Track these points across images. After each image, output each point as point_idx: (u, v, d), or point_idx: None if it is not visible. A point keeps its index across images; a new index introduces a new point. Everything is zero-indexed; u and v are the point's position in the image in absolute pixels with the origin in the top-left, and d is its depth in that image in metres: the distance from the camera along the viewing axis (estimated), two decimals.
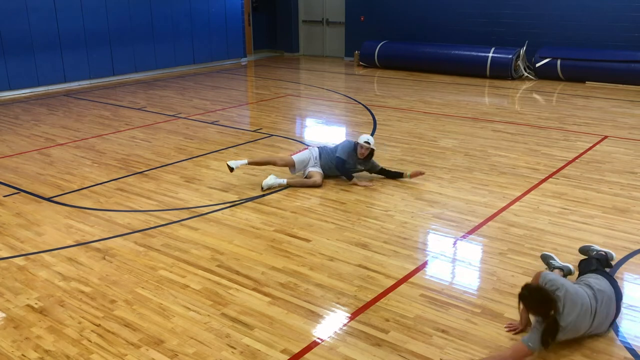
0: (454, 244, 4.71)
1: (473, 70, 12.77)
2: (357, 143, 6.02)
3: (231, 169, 5.93)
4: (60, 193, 5.94)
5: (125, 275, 4.23)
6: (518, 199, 5.61)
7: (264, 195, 5.75)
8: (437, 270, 4.30)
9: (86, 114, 9.68)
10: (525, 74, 12.65)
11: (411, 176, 6.05)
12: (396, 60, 13.93)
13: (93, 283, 4.12)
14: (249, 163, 6.01)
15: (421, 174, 6.04)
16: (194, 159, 7.06)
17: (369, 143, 5.95)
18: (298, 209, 5.44)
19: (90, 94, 11.49)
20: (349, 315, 3.70)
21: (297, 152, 6.17)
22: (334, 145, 6.27)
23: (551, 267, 4.05)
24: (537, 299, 3.18)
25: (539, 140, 7.70)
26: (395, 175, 6.16)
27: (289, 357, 3.29)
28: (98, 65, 12.71)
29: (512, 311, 3.71)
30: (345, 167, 6.05)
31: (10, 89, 11.44)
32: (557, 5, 12.59)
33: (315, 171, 6.06)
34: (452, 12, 13.93)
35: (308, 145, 6.35)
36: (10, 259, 4.52)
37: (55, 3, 11.77)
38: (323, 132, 8.57)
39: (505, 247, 4.59)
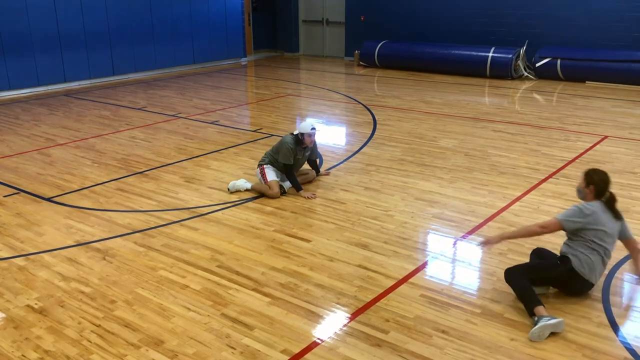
0: (454, 244, 4.71)
1: (473, 70, 12.78)
2: (302, 134, 5.75)
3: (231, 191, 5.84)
4: (60, 193, 5.94)
5: (125, 276, 4.23)
6: (518, 199, 5.61)
7: (263, 195, 5.75)
8: (437, 271, 4.30)
9: (86, 114, 9.68)
10: (526, 73, 12.65)
11: (317, 174, 6.24)
12: (396, 60, 13.93)
13: (93, 283, 4.12)
14: (253, 188, 5.87)
15: (327, 174, 6.35)
16: (194, 159, 7.06)
17: (315, 129, 5.77)
18: (298, 209, 5.44)
19: (90, 94, 11.50)
20: (349, 315, 3.69)
21: (265, 176, 5.79)
22: (273, 149, 5.91)
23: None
24: (603, 175, 3.84)
25: (539, 140, 7.70)
26: (315, 168, 6.22)
27: (289, 357, 3.29)
28: (98, 65, 12.71)
29: (512, 311, 3.71)
30: (294, 173, 5.80)
31: (10, 89, 11.44)
32: (558, 5, 12.59)
33: (275, 181, 5.75)
34: (452, 12, 13.93)
35: (261, 165, 5.90)
36: (10, 259, 4.52)
37: (55, 3, 11.77)
38: (323, 132, 8.56)
39: (505, 247, 4.59)
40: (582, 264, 3.71)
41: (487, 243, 3.98)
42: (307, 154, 5.97)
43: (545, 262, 3.91)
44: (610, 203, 3.80)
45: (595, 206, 3.76)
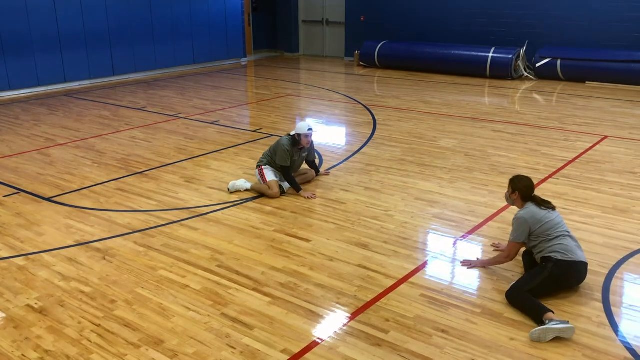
0: (454, 244, 4.71)
1: (473, 70, 12.78)
2: (299, 134, 5.72)
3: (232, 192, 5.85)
4: (60, 193, 5.94)
5: (125, 275, 4.23)
6: None
7: (263, 195, 5.75)
8: (437, 270, 4.30)
9: (86, 114, 9.69)
10: (525, 74, 12.66)
11: (317, 174, 6.29)
12: (396, 60, 13.94)
13: (93, 283, 4.13)
14: (252, 188, 5.87)
15: (326, 174, 6.39)
16: (194, 159, 7.06)
17: (311, 129, 5.74)
18: (298, 209, 5.44)
19: (90, 94, 11.50)
20: (349, 315, 3.70)
21: (264, 177, 5.80)
22: (270, 150, 5.91)
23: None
24: (527, 180, 4.09)
25: (539, 140, 7.71)
26: (314, 169, 6.25)
27: (289, 357, 3.29)
28: (98, 65, 12.71)
29: (512, 311, 3.71)
30: (292, 174, 5.79)
31: (10, 89, 11.44)
32: (557, 5, 12.59)
33: (275, 181, 5.75)
34: (452, 12, 13.94)
35: (260, 167, 5.90)
36: (10, 259, 4.52)
37: (55, 3, 11.77)
38: (323, 132, 8.56)
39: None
40: (562, 252, 3.83)
41: (469, 264, 4.28)
42: (304, 154, 5.96)
43: (533, 271, 3.92)
44: (538, 201, 4.02)
45: (529, 207, 3.98)
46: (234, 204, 5.58)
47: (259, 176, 5.88)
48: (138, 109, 10.05)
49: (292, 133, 5.82)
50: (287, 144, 5.73)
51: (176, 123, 8.94)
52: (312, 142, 5.94)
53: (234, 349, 3.37)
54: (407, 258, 4.45)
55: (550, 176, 6.24)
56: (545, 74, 12.33)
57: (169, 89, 12.00)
